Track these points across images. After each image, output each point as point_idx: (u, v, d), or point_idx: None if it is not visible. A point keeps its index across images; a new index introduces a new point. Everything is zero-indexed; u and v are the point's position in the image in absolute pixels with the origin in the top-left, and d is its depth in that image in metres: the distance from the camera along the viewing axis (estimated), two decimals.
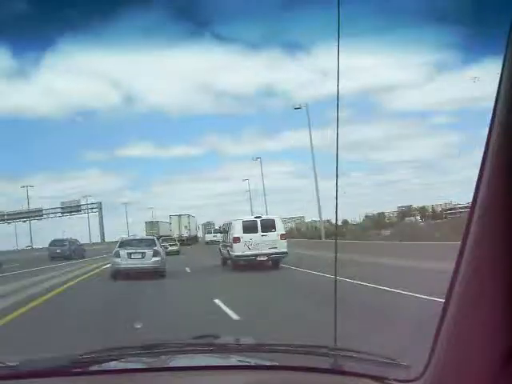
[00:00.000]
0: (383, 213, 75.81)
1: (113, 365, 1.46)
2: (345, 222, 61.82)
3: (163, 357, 1.55)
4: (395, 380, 1.25)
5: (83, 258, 32.92)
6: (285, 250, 19.01)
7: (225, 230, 22.14)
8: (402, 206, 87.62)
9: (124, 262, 17.21)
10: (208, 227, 74.33)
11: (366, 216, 72.10)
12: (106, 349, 1.57)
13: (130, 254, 17.43)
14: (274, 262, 19.06)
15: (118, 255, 17.49)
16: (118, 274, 17.02)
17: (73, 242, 41.26)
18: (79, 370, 1.42)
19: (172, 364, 1.52)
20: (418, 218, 76.43)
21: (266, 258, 18.79)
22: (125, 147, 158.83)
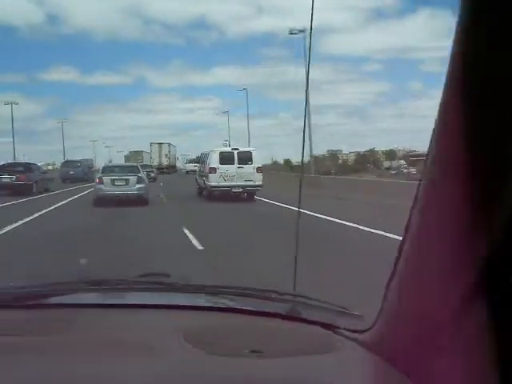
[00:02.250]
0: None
1: (55, 299, 1.43)
2: (287, 161, 61.96)
3: (109, 293, 1.54)
4: (345, 329, 1.22)
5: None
6: (260, 183, 19.11)
7: (202, 160, 22.09)
8: (330, 150, 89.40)
9: (107, 188, 16.97)
10: (189, 157, 74.07)
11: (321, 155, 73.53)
12: (49, 283, 1.54)
13: (114, 180, 17.14)
14: (248, 194, 19.19)
15: (101, 182, 17.17)
16: (101, 201, 16.61)
17: (86, 163, 39.31)
18: (26, 302, 1.39)
19: (117, 301, 1.50)
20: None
21: (241, 190, 18.92)
22: (47, 71, 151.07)
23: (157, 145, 74.22)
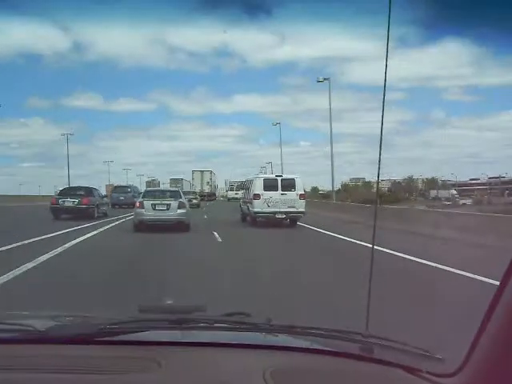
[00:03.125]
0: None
1: (142, 336, 1.44)
2: (314, 188, 61.55)
3: (193, 332, 1.54)
4: (429, 373, 1.22)
5: None
6: (303, 209, 19.45)
7: (246, 186, 22.66)
8: (353, 178, 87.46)
9: (148, 213, 16.66)
10: (232, 184, 75.09)
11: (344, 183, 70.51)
12: (135, 319, 1.54)
13: (155, 205, 16.86)
14: (291, 221, 19.56)
15: (142, 206, 16.89)
16: (142, 226, 16.48)
17: (135, 188, 38.77)
18: (107, 338, 1.42)
19: (201, 339, 1.50)
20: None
21: (284, 216, 19.29)
22: (70, 97, 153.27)
23: (199, 172, 75.67)
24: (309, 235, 16.83)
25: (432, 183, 79.93)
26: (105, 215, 24.46)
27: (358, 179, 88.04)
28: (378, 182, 2.02)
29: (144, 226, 16.36)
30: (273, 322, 1.52)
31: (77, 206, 22.54)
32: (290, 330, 1.52)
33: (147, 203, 16.92)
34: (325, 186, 62.41)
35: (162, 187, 43.92)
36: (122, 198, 35.11)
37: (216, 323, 1.54)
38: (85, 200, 22.87)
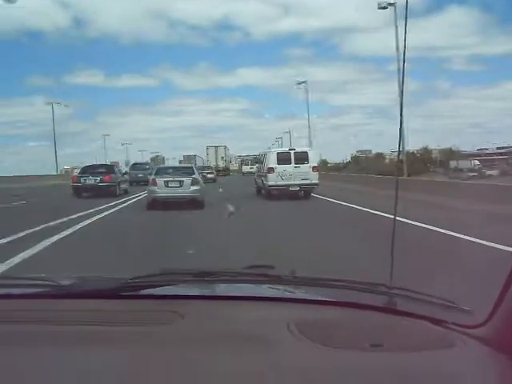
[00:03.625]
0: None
1: (165, 290, 1.45)
2: (323, 161, 60.90)
3: (216, 285, 1.55)
4: (455, 324, 1.21)
5: None
6: (316, 181, 19.95)
7: (260, 160, 23.19)
8: (360, 150, 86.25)
9: (161, 190, 16.36)
10: (246, 159, 75.65)
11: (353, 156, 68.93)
12: (159, 273, 1.54)
13: (168, 182, 16.56)
14: (305, 193, 20.08)
15: (154, 183, 16.62)
16: (155, 204, 16.11)
17: (153, 165, 36.06)
18: (131, 293, 1.43)
19: (225, 293, 1.52)
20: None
21: (298, 189, 19.82)
22: (73, 74, 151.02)
23: (213, 148, 76.15)
24: (333, 207, 16.71)
25: (449, 154, 76.22)
26: (125, 192, 24.39)
27: (364, 151, 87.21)
28: (398, 153, 2.14)
29: (157, 204, 16.01)
30: (296, 275, 1.50)
31: (98, 184, 22.42)
32: (314, 282, 1.51)
33: (160, 180, 16.64)
34: (332, 158, 62.09)
35: (166, 163, 43.85)
36: (141, 175, 34.31)
37: (239, 276, 1.54)
38: (106, 177, 22.72)
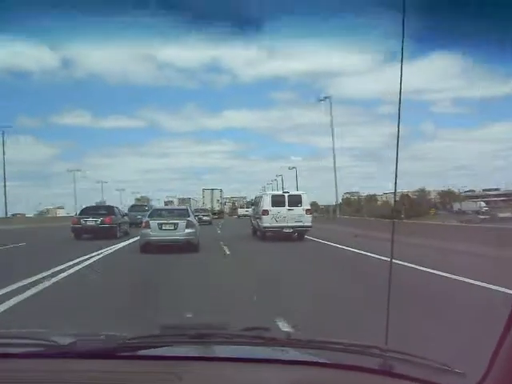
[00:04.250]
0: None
1: (163, 351, 1.48)
2: (313, 203, 60.43)
3: (213, 346, 1.56)
4: None
5: None
6: (309, 224, 20.73)
7: (256, 202, 24.09)
8: (348, 192, 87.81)
9: (154, 233, 15.82)
10: (241, 202, 76.56)
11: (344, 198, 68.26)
12: (156, 334, 1.58)
13: (161, 224, 16.02)
14: (299, 235, 20.80)
15: (148, 226, 16.07)
16: (148, 247, 15.56)
17: (151, 206, 35.38)
18: (128, 353, 1.45)
19: (222, 355, 1.53)
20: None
21: (291, 231, 20.55)
22: (59, 115, 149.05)
23: (209, 191, 77.17)
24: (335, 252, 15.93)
25: (448, 195, 74.83)
26: (126, 234, 23.87)
27: (352, 193, 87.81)
28: (395, 195, 2.02)
29: (151, 248, 15.43)
30: (291, 337, 1.53)
31: (99, 226, 22.06)
32: (308, 344, 1.51)
33: (153, 223, 16.08)
34: (320, 200, 62.02)
35: (151, 203, 44.48)
36: (140, 216, 34.10)
37: (235, 338, 1.55)
38: (107, 219, 22.34)
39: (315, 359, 1.44)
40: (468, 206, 61.85)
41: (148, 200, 70.96)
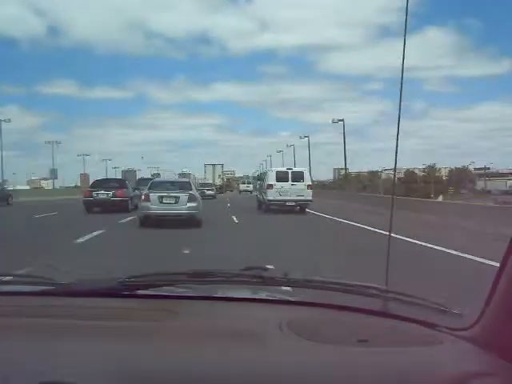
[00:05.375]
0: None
1: (160, 290, 1.50)
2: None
3: (211, 286, 1.58)
4: (446, 327, 1.24)
5: None
6: (310, 198, 22.51)
7: (261, 178, 25.98)
8: (337, 168, 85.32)
9: (154, 206, 15.10)
10: (242, 178, 78.66)
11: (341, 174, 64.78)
12: (155, 273, 1.58)
13: (162, 197, 15.23)
14: (300, 208, 22.64)
15: (147, 199, 15.32)
16: (147, 221, 15.05)
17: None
18: (128, 292, 1.47)
19: (219, 294, 1.57)
20: None
21: (294, 204, 22.37)
22: (47, 84, 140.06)
23: (211, 166, 78.79)
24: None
25: (463, 173, 67.44)
26: (136, 208, 23.67)
27: (341, 169, 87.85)
28: (395, 172, 2.13)
29: (151, 221, 14.97)
30: (290, 277, 1.50)
31: (111, 199, 22.03)
32: (307, 284, 1.51)
33: (153, 196, 15.31)
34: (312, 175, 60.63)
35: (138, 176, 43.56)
36: None
37: (234, 277, 1.55)
38: (119, 192, 22.31)
39: (312, 299, 1.46)
40: (494, 185, 54.29)
41: (158, 174, 71.82)
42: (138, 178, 43.40)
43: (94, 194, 22.41)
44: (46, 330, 1.22)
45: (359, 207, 23.99)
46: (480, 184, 59.36)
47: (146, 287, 1.51)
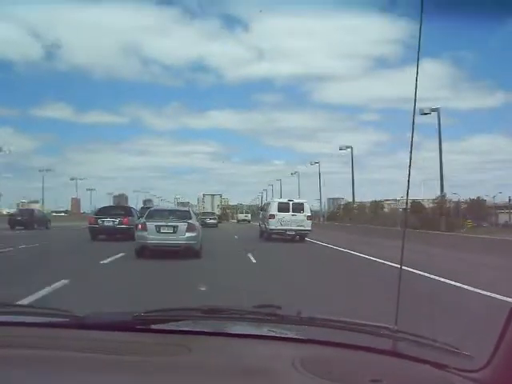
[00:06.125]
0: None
1: (175, 325, 1.50)
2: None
3: (225, 322, 1.60)
4: (456, 369, 1.24)
5: None
6: (309, 228, 23.98)
7: (264, 208, 27.57)
8: (332, 198, 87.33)
9: (151, 236, 14.42)
10: (240, 208, 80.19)
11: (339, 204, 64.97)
12: (170, 308, 1.59)
13: (159, 227, 14.60)
14: (300, 237, 24.04)
15: (144, 228, 14.63)
16: (144, 251, 14.41)
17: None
18: (141, 326, 1.48)
19: (233, 330, 1.57)
20: None
21: (294, 233, 23.73)
22: (41, 107, 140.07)
23: (210, 196, 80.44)
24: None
25: (477, 205, 63.72)
26: None
27: (336, 199, 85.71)
28: (406, 202, 2.25)
29: (147, 252, 14.38)
30: (302, 315, 1.51)
31: (116, 226, 21.64)
32: (319, 323, 1.52)
33: (151, 225, 14.65)
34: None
35: (130, 203, 44.20)
36: None
37: (247, 314, 1.57)
38: (125, 220, 21.81)
39: (326, 338, 1.45)
40: None
41: (150, 201, 72.59)
42: (129, 203, 44.34)
43: (100, 221, 22.07)
44: (57, 362, 1.23)
45: (390, 243, 22.13)
46: (503, 217, 56.39)
47: (161, 322, 1.50)
